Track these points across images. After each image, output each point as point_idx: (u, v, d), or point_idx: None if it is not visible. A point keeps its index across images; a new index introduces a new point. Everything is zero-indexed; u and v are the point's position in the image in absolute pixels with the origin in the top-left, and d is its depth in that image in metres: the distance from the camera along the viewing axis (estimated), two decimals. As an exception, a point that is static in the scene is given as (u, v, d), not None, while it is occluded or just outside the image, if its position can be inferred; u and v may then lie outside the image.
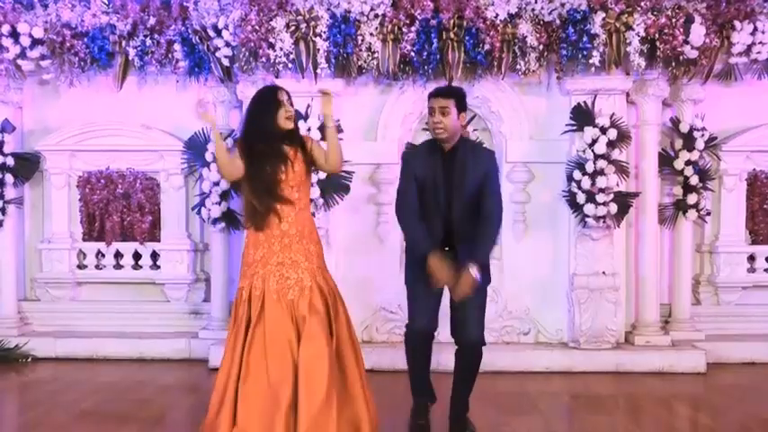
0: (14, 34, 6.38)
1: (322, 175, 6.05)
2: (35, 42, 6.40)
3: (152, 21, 6.39)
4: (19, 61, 6.47)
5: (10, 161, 6.63)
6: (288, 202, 4.08)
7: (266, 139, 4.09)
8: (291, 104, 4.18)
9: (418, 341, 4.40)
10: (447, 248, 4.28)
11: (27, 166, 6.78)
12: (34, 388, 5.78)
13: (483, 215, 4.22)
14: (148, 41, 6.41)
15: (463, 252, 4.22)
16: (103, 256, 6.90)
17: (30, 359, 6.58)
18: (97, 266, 6.92)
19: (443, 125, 4.22)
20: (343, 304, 4.19)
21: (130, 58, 6.46)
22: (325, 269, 4.24)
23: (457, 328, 4.33)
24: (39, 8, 6.52)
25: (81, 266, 6.94)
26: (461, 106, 4.29)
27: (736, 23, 6.17)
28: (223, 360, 4.09)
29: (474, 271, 4.11)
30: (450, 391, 4.47)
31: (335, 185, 6.14)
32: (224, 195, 6.42)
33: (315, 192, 6.03)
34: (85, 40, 6.43)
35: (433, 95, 4.31)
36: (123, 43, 6.43)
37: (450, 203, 4.26)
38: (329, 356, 3.89)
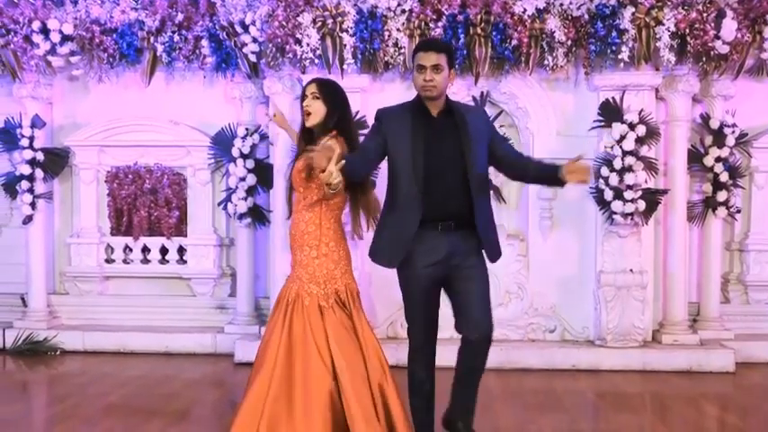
0: (45, 31, 6.45)
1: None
2: (65, 39, 6.47)
3: (180, 17, 6.43)
4: (49, 57, 6.53)
5: (40, 156, 6.71)
6: (294, 201, 4.04)
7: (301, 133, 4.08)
8: (317, 97, 3.95)
9: (420, 363, 4.01)
10: (448, 225, 3.78)
11: (56, 162, 6.85)
12: (63, 381, 5.85)
13: (514, 154, 4.04)
14: (176, 37, 6.45)
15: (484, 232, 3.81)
16: (131, 250, 6.96)
17: (58, 352, 6.67)
18: (125, 261, 6.98)
19: (435, 83, 3.74)
20: (318, 315, 3.88)
21: (158, 53, 6.51)
22: (310, 278, 3.92)
23: (460, 316, 3.84)
24: (68, 5, 6.58)
25: (109, 261, 7.01)
26: (452, 62, 3.85)
27: (769, 18, 6.08)
28: None
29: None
30: (450, 396, 4.02)
31: (361, 181, 6.14)
32: (250, 191, 6.45)
33: (341, 187, 6.03)
34: (114, 36, 6.48)
35: (422, 49, 3.80)
36: (151, 39, 6.48)
37: (449, 174, 3.75)
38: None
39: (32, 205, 6.74)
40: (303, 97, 4.02)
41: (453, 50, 4.01)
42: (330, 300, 3.90)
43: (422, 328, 3.94)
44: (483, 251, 3.88)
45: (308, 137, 4.01)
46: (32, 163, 6.69)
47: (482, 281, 3.84)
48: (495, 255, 3.94)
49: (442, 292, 3.92)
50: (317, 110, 3.93)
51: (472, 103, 6.19)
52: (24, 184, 6.68)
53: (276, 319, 3.93)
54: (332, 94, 3.98)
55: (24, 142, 6.65)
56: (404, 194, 3.77)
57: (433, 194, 3.72)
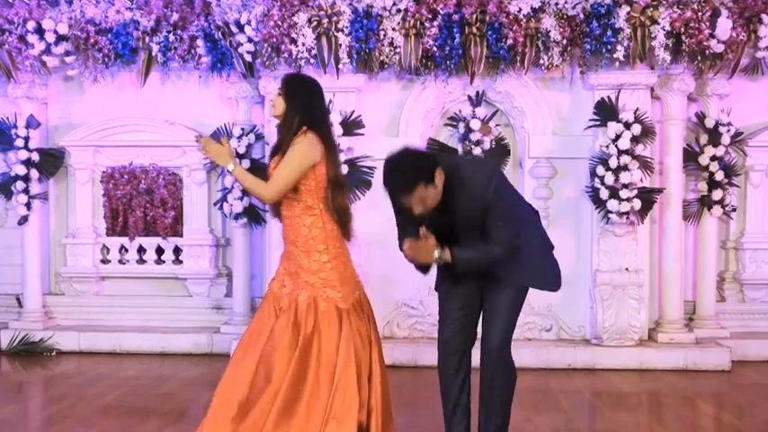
0: (40, 31, 6.43)
1: (344, 170, 6.04)
2: (60, 39, 6.45)
3: (175, 17, 6.43)
4: (44, 57, 6.52)
5: (35, 156, 6.69)
6: (284, 206, 3.81)
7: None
8: (279, 93, 3.81)
9: (440, 357, 3.81)
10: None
11: (52, 162, 6.84)
12: (59, 381, 5.84)
13: (490, 238, 3.55)
14: (171, 37, 6.44)
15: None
16: (127, 250, 6.95)
17: (54, 353, 6.66)
18: (120, 261, 6.98)
19: (424, 206, 3.46)
20: (334, 323, 3.74)
21: (154, 53, 6.50)
22: (318, 284, 3.77)
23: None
24: (63, 5, 6.57)
25: (104, 261, 7.00)
26: (429, 178, 3.40)
27: (764, 17, 6.10)
28: None
29: (445, 254, 3.49)
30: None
31: (357, 181, 6.14)
32: (246, 191, 6.43)
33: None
34: (109, 36, 6.48)
35: (393, 197, 3.49)
36: (146, 39, 6.47)
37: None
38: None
39: (28, 206, 6.73)
40: None
41: (422, 169, 3.42)
42: (348, 301, 3.78)
43: (446, 318, 3.84)
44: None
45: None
46: (27, 163, 6.68)
47: (513, 292, 3.72)
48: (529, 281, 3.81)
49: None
50: (278, 105, 3.81)
51: (468, 107, 6.16)
52: (19, 185, 6.66)
53: (283, 326, 3.72)
54: (295, 90, 3.83)
55: (19, 142, 6.64)
56: None
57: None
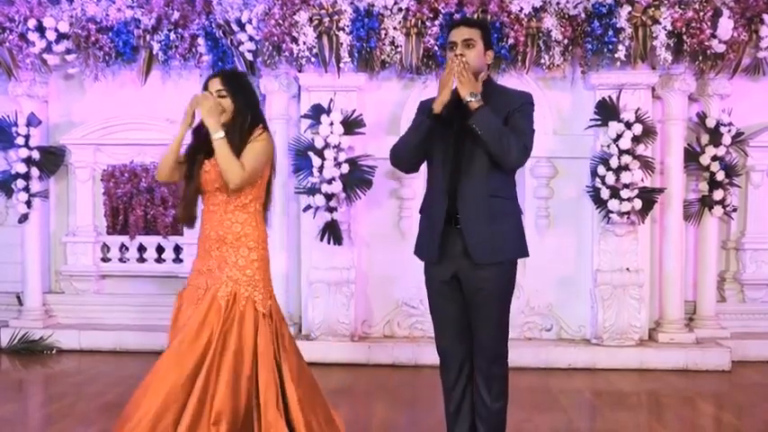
0: (40, 28, 6.43)
1: (344, 170, 6.05)
2: (60, 37, 6.45)
3: (176, 15, 6.43)
4: (45, 55, 6.52)
5: (35, 155, 6.69)
6: (213, 203, 3.70)
7: (196, 133, 3.77)
8: (223, 95, 3.67)
9: (442, 362, 3.67)
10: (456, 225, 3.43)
11: (52, 160, 6.83)
12: (59, 380, 5.84)
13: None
14: (172, 36, 6.44)
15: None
16: (127, 249, 6.95)
17: (54, 351, 6.65)
18: (121, 260, 6.98)
19: (464, 59, 3.34)
20: (251, 322, 3.65)
21: (154, 52, 6.50)
22: (242, 281, 3.68)
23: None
24: (64, 3, 6.56)
25: (105, 260, 7.00)
26: (488, 41, 3.47)
27: (765, 17, 6.10)
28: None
29: (475, 98, 3.26)
30: None
31: (357, 180, 6.14)
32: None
33: (337, 186, 6.03)
34: (110, 34, 6.47)
35: (454, 26, 3.48)
36: (147, 37, 6.47)
37: (457, 162, 3.41)
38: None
39: (28, 204, 6.72)
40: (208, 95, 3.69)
41: (489, 28, 3.54)
42: (266, 306, 3.69)
43: (442, 325, 3.69)
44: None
45: (202, 137, 3.70)
46: (28, 161, 6.67)
47: (498, 294, 3.49)
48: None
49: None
50: (226, 107, 3.66)
51: None
52: (20, 183, 6.66)
53: (198, 319, 3.61)
54: (240, 86, 3.72)
55: (20, 141, 6.63)
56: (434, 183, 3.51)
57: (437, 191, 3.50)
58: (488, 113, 3.29)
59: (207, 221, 3.76)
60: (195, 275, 3.79)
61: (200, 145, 3.74)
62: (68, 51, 6.53)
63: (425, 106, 3.50)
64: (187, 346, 3.56)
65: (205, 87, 3.75)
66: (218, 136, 3.58)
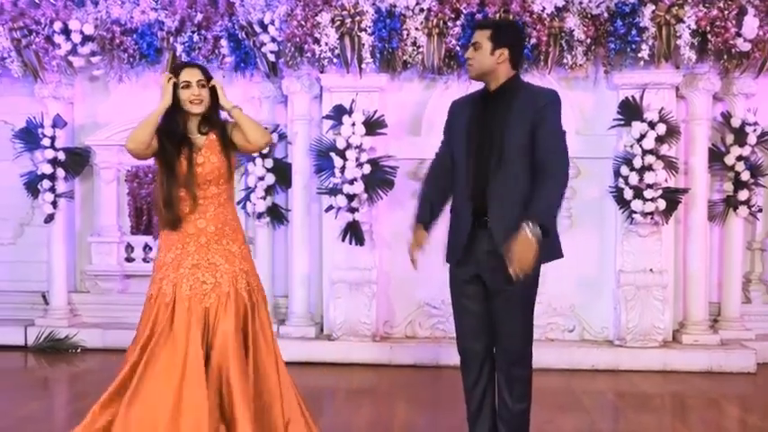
0: (66, 31, 6.51)
1: (366, 170, 6.06)
2: (86, 39, 6.52)
3: (199, 17, 6.47)
4: (70, 57, 6.59)
5: (61, 156, 6.77)
6: (204, 196, 3.69)
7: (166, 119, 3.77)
8: (203, 85, 3.70)
9: (462, 361, 3.70)
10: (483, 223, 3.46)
11: (77, 161, 6.90)
12: (83, 378, 5.90)
13: (539, 169, 3.33)
14: (195, 37, 6.48)
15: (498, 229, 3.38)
16: (151, 249, 7.00)
17: (79, 350, 6.73)
18: (144, 260, 7.02)
19: (472, 62, 3.49)
20: (266, 310, 3.80)
21: (178, 53, 6.54)
22: (250, 272, 3.77)
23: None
24: (89, 5, 6.63)
25: (129, 259, 7.06)
26: (499, 40, 3.44)
27: (791, 15, 6.02)
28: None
29: (529, 230, 3.20)
30: None
31: (379, 181, 6.14)
32: (269, 190, 6.47)
33: (359, 187, 6.04)
34: (134, 36, 6.53)
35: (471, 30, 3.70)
36: (171, 39, 6.52)
37: (483, 161, 3.43)
38: (241, 377, 3.55)
39: (54, 204, 6.80)
40: (185, 84, 3.72)
41: (501, 26, 3.60)
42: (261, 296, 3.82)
43: (464, 324, 3.78)
44: None
45: (177, 123, 3.77)
46: (54, 162, 6.75)
47: (520, 291, 3.55)
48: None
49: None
50: (206, 98, 3.72)
51: None
52: (46, 184, 6.74)
53: (186, 326, 3.57)
54: (210, 77, 3.79)
55: (46, 142, 6.71)
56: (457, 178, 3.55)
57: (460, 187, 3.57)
58: (544, 212, 3.32)
59: (198, 215, 3.71)
60: (193, 270, 3.66)
61: (174, 135, 3.76)
62: (93, 53, 6.60)
63: (456, 106, 3.64)
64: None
65: (175, 74, 3.78)
66: (232, 105, 3.71)
